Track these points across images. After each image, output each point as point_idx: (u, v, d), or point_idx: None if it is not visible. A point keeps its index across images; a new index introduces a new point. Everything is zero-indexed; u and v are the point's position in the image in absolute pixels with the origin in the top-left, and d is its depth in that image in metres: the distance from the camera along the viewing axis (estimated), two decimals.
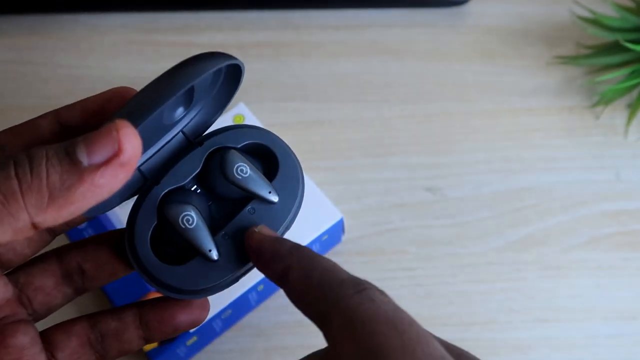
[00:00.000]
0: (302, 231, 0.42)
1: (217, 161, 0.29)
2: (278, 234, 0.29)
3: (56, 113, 0.29)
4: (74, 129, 0.29)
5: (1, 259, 0.28)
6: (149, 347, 0.40)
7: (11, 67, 0.53)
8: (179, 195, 0.29)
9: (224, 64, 0.27)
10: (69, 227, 0.30)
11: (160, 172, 0.29)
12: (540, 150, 0.49)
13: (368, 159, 0.49)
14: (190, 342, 0.41)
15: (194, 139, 0.30)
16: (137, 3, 0.54)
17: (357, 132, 0.50)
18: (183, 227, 0.28)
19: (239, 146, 0.30)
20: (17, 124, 0.29)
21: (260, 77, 0.52)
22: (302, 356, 0.43)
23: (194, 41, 0.54)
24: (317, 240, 0.43)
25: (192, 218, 0.28)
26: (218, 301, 0.41)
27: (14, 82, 0.52)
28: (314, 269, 0.26)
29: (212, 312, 0.40)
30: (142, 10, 0.55)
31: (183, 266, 0.28)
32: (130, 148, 0.23)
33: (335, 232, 0.44)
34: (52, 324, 0.30)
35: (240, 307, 0.42)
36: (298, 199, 0.30)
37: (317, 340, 0.43)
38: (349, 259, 0.45)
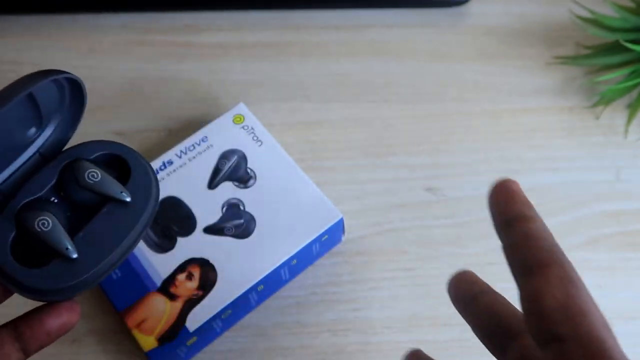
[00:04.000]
0: (302, 231, 0.42)
1: (70, 171, 0.31)
2: (137, 234, 0.31)
3: None
4: None
5: None
6: (148, 347, 0.40)
7: (11, 67, 0.53)
8: (37, 205, 0.31)
9: (56, 77, 0.29)
10: None
11: (18, 189, 0.31)
12: (540, 150, 0.49)
13: (368, 159, 0.49)
14: (190, 342, 0.41)
15: (50, 157, 0.32)
16: (137, 3, 0.54)
17: (357, 132, 0.50)
18: (39, 230, 0.30)
19: (92, 157, 0.32)
20: None
21: (260, 77, 0.52)
22: (302, 356, 0.43)
23: (194, 41, 0.54)
24: (317, 240, 0.43)
25: (47, 222, 0.30)
26: (218, 301, 0.41)
27: None
28: (549, 230, 0.28)
29: (212, 312, 0.40)
30: (142, 10, 0.55)
31: (44, 268, 0.29)
32: None
33: (335, 232, 0.44)
34: None
35: (240, 307, 0.42)
36: (152, 199, 0.31)
37: (317, 341, 0.43)
38: (349, 259, 0.45)
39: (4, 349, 0.30)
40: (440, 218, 0.47)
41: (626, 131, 0.50)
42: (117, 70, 0.53)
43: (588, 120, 0.51)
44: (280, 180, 0.44)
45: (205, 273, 0.42)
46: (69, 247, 0.29)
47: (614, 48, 0.49)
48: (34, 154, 0.32)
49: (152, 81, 0.52)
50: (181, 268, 0.42)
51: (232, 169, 0.44)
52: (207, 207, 0.43)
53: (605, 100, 0.50)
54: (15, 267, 0.29)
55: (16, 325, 0.30)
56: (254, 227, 0.43)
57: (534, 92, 0.52)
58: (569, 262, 0.26)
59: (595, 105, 0.50)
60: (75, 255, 0.29)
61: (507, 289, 0.45)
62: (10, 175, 0.31)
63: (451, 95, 0.52)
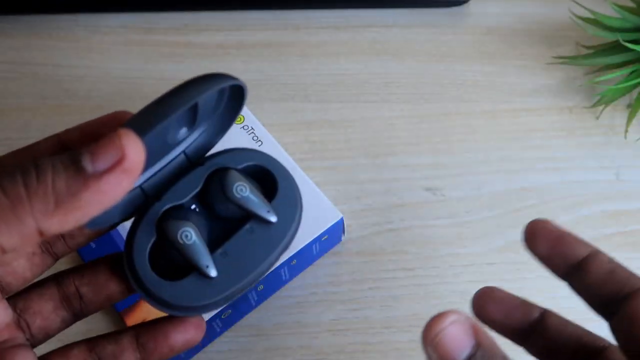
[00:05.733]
0: (302, 231, 0.42)
1: (217, 181, 0.30)
2: (277, 256, 0.30)
3: (56, 136, 0.30)
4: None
5: (1, 282, 0.28)
6: None
7: (11, 67, 0.53)
8: (179, 213, 0.29)
9: (228, 84, 0.27)
10: (70, 249, 0.30)
11: (161, 191, 0.30)
12: (540, 150, 0.49)
13: (368, 159, 0.49)
14: None
15: (195, 160, 0.31)
16: (137, 3, 0.54)
17: (357, 132, 0.50)
18: (181, 242, 0.28)
19: (240, 167, 0.30)
20: (18, 148, 0.30)
21: (260, 77, 0.52)
22: (302, 356, 0.43)
23: (194, 41, 0.54)
24: (317, 240, 0.43)
25: (190, 234, 0.28)
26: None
27: (14, 82, 0.52)
28: (612, 258, 0.27)
29: (212, 312, 0.40)
30: (142, 10, 0.55)
31: (180, 282, 0.28)
32: (133, 155, 0.23)
33: (335, 232, 0.44)
34: (52, 348, 0.30)
35: (240, 307, 0.42)
36: (296, 220, 0.30)
37: (317, 341, 0.43)
38: (349, 259, 0.45)
39: (124, 356, 0.29)
40: (440, 218, 0.47)
41: (626, 131, 0.50)
42: (117, 70, 0.53)
43: (588, 120, 0.51)
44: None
45: None
46: (209, 265, 0.28)
47: (614, 48, 0.49)
48: (180, 154, 0.30)
49: (152, 81, 0.52)
50: None
51: None
52: None
53: (605, 100, 0.50)
54: (152, 277, 0.28)
55: (138, 334, 0.30)
56: None
57: (534, 92, 0.52)
58: None
59: (595, 105, 0.50)
60: (214, 274, 0.28)
61: (507, 289, 0.45)
62: (154, 175, 0.30)
63: (451, 95, 0.52)
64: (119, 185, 0.23)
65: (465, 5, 0.55)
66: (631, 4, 0.51)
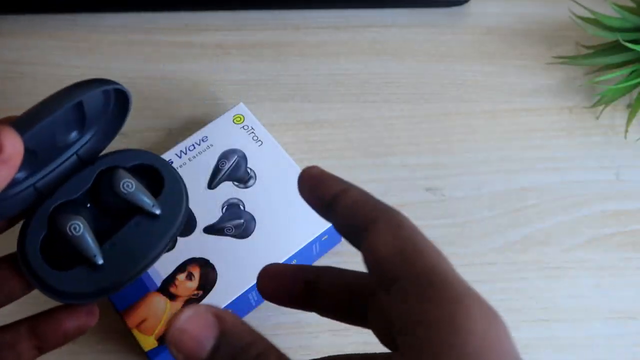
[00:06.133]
0: (302, 231, 0.42)
1: (106, 178, 0.32)
2: (162, 247, 0.31)
3: None
4: None
5: None
6: (148, 347, 0.40)
7: (11, 67, 0.53)
8: (70, 208, 0.31)
9: (108, 87, 0.29)
10: None
11: (54, 189, 0.32)
12: (540, 150, 0.49)
13: (368, 159, 0.49)
14: None
15: (87, 161, 0.33)
16: (137, 3, 0.54)
17: (357, 132, 0.50)
18: (70, 234, 0.30)
19: (128, 166, 0.33)
20: None
21: (260, 77, 0.52)
22: (302, 356, 0.43)
23: (194, 41, 0.54)
24: (317, 240, 0.43)
25: (79, 226, 0.31)
26: (218, 301, 0.41)
27: (13, 82, 0.52)
28: (371, 195, 0.28)
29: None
30: (142, 10, 0.55)
31: (70, 271, 0.30)
32: (10, 147, 0.25)
33: (335, 232, 0.44)
34: None
35: (240, 307, 0.42)
36: (181, 213, 0.32)
37: (317, 341, 0.43)
38: (349, 259, 0.45)
39: (19, 346, 0.31)
40: (440, 218, 0.47)
41: (626, 131, 0.50)
42: (117, 70, 0.53)
43: (588, 120, 0.51)
44: (280, 180, 0.44)
45: (205, 273, 0.42)
46: (96, 254, 0.30)
47: (614, 48, 0.49)
48: (72, 155, 0.32)
49: (152, 81, 0.52)
50: (181, 268, 0.42)
51: (232, 169, 0.44)
52: (207, 207, 0.43)
53: (605, 100, 0.50)
54: (42, 266, 0.30)
55: (33, 323, 0.31)
56: (254, 227, 0.43)
57: (534, 92, 0.52)
58: (396, 211, 0.26)
59: (595, 105, 0.50)
60: (101, 262, 0.30)
61: (508, 289, 0.45)
62: (48, 174, 0.32)
63: (451, 95, 0.52)
64: None
65: (465, 5, 0.55)
66: (631, 4, 0.51)
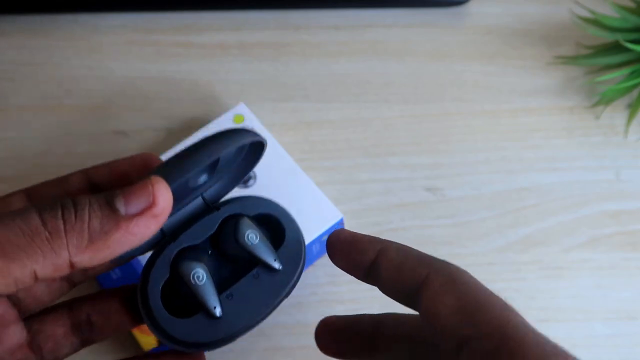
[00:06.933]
0: (302, 231, 0.42)
1: (230, 226, 0.32)
2: (278, 302, 0.31)
3: (85, 171, 0.32)
4: (101, 188, 0.32)
5: (21, 304, 0.29)
6: (148, 347, 0.40)
7: (11, 67, 0.53)
8: (193, 253, 0.31)
9: (251, 140, 0.30)
10: (87, 278, 0.32)
11: (178, 231, 0.32)
12: (540, 150, 0.49)
13: (368, 159, 0.49)
14: None
15: (211, 204, 0.33)
16: (137, 3, 0.54)
17: (357, 132, 0.50)
18: (193, 283, 0.30)
19: (252, 214, 0.32)
20: (47, 180, 0.32)
21: (260, 77, 0.52)
22: (302, 356, 0.43)
23: (194, 41, 0.54)
24: (317, 240, 0.43)
25: (202, 275, 0.30)
26: None
27: (13, 82, 0.52)
28: (409, 248, 0.27)
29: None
30: (142, 10, 0.55)
31: (188, 320, 0.30)
32: (162, 202, 0.26)
33: None
34: None
35: None
36: (299, 269, 0.32)
37: None
38: None
39: None
40: (440, 218, 0.47)
41: (626, 131, 0.50)
42: (117, 70, 0.53)
43: (588, 120, 0.51)
44: (280, 180, 0.44)
45: None
46: (217, 306, 0.30)
47: (614, 48, 0.49)
48: (198, 197, 0.33)
49: (152, 81, 0.52)
50: None
51: None
52: None
53: (605, 100, 0.50)
54: (162, 313, 0.30)
55: None
56: None
57: (534, 92, 0.52)
58: (444, 263, 0.26)
59: (595, 105, 0.50)
60: (219, 315, 0.30)
61: (508, 289, 0.45)
62: (173, 215, 0.32)
63: (451, 95, 0.52)
64: (147, 228, 0.26)
65: (465, 5, 0.55)
66: (631, 4, 0.51)
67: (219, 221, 0.32)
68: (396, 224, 0.47)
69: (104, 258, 0.26)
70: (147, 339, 0.40)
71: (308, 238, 0.42)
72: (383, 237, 0.46)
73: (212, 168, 0.32)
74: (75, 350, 0.31)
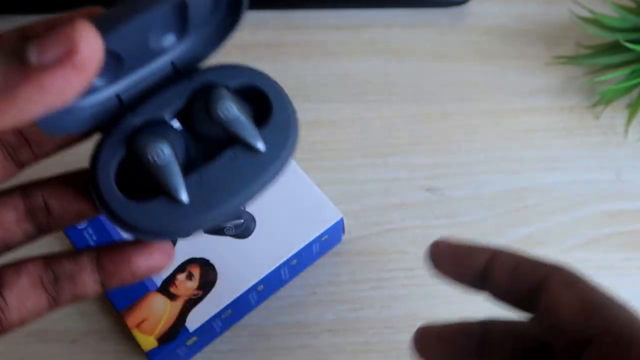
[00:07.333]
0: (302, 231, 0.42)
1: (202, 97, 0.27)
2: (258, 189, 0.27)
3: (22, 29, 0.26)
4: None
5: None
6: (148, 347, 0.40)
7: None
8: (155, 128, 0.26)
9: None
10: (36, 157, 0.28)
11: (139, 101, 0.27)
12: (540, 150, 0.49)
13: (368, 159, 0.49)
14: (190, 342, 0.41)
15: (183, 72, 0.28)
16: None
17: (357, 132, 0.50)
18: (152, 160, 0.26)
19: (232, 86, 0.28)
20: None
21: None
22: (302, 356, 0.43)
23: None
24: (317, 240, 0.43)
25: (163, 153, 0.26)
26: (218, 301, 0.41)
27: None
28: (520, 252, 0.27)
29: (212, 312, 0.40)
30: None
31: (148, 203, 0.26)
32: (86, 50, 0.20)
33: (335, 232, 0.44)
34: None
35: (240, 307, 0.42)
36: (287, 151, 0.27)
37: (317, 341, 0.43)
38: (349, 259, 0.45)
39: (82, 277, 0.27)
40: (440, 218, 0.47)
41: (626, 131, 0.50)
42: None
43: (588, 120, 0.51)
44: (280, 180, 0.44)
45: (205, 273, 0.42)
46: (180, 187, 0.25)
47: (614, 48, 0.49)
48: (167, 63, 0.27)
49: None
50: (181, 268, 0.42)
51: None
52: None
53: (605, 100, 0.50)
54: (115, 195, 0.26)
55: (100, 255, 0.27)
56: (254, 227, 0.43)
57: (534, 92, 0.52)
58: (565, 266, 0.26)
59: (595, 105, 0.50)
60: (184, 198, 0.25)
61: None
62: (135, 84, 0.27)
63: (451, 95, 0.52)
64: (66, 83, 0.20)
65: (465, 5, 0.55)
66: (631, 4, 0.51)
67: (190, 91, 0.27)
68: (396, 224, 0.47)
69: (14, 119, 0.20)
70: (147, 339, 0.40)
71: (308, 238, 0.42)
72: (383, 237, 0.46)
73: (181, 26, 0.26)
74: (30, 240, 0.28)
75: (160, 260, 0.27)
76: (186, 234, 0.26)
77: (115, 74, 0.26)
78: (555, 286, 0.25)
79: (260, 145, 0.26)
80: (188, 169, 0.26)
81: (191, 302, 0.41)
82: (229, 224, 0.43)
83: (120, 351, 0.43)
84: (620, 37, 0.48)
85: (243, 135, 0.26)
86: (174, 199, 0.25)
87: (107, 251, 0.28)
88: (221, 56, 0.57)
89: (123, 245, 0.27)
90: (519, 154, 0.49)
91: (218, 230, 0.43)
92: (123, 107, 0.26)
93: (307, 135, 0.50)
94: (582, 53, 0.52)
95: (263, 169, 0.26)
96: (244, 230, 0.43)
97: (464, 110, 0.51)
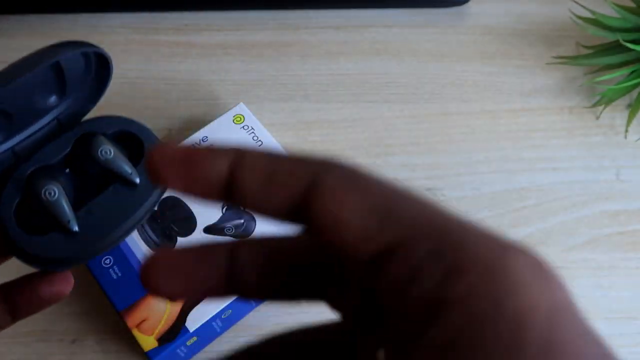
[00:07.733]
0: None
1: (84, 144, 0.32)
2: (140, 217, 0.31)
3: None
4: None
5: None
6: (148, 347, 0.40)
7: None
8: (47, 173, 0.31)
9: (87, 50, 0.30)
10: None
11: (32, 152, 0.32)
12: (540, 150, 0.49)
13: (368, 159, 0.49)
14: (190, 342, 0.41)
15: (67, 126, 0.32)
16: (137, 3, 0.54)
17: (357, 132, 0.50)
18: (45, 199, 0.30)
19: (108, 132, 0.32)
20: None
21: (260, 77, 0.52)
22: None
23: (194, 41, 0.54)
24: None
25: (54, 192, 0.30)
26: (218, 301, 0.41)
27: None
28: (269, 152, 0.19)
29: (212, 312, 0.40)
30: (142, 10, 0.55)
31: (44, 236, 0.30)
32: None
33: None
34: None
35: (240, 307, 0.42)
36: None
37: None
38: None
39: None
40: None
41: (626, 131, 0.50)
42: (117, 70, 0.52)
43: (588, 120, 0.51)
44: None
45: None
46: (71, 220, 0.30)
47: (614, 48, 0.49)
48: (52, 120, 0.32)
49: (152, 81, 0.52)
50: None
51: None
52: (207, 207, 0.43)
53: (605, 100, 0.50)
54: (16, 230, 0.30)
55: (6, 290, 0.30)
56: (254, 227, 0.43)
57: (534, 92, 0.52)
58: (334, 158, 0.18)
59: (595, 105, 0.50)
60: (75, 229, 0.30)
61: None
62: (26, 139, 0.32)
63: (451, 95, 0.52)
64: None
65: (465, 5, 0.55)
66: (631, 4, 0.51)
67: (73, 140, 0.32)
68: None
69: None
70: (147, 339, 0.40)
71: None
72: None
73: (61, 87, 0.31)
74: None
75: (61, 286, 0.30)
76: (82, 260, 0.30)
77: (8, 132, 0.31)
78: (330, 186, 0.17)
79: (136, 179, 0.31)
80: (78, 205, 0.31)
81: (191, 302, 0.41)
82: (229, 224, 0.43)
83: (120, 351, 0.43)
84: (620, 37, 0.48)
85: (121, 172, 0.31)
86: (67, 230, 0.30)
87: (15, 285, 0.30)
88: (221, 56, 0.57)
89: (29, 278, 0.30)
90: (519, 154, 0.49)
91: (218, 231, 0.43)
92: (19, 159, 0.31)
93: (307, 135, 0.50)
94: (582, 53, 0.52)
95: (141, 199, 0.31)
96: (244, 230, 0.42)
97: (464, 110, 0.51)
